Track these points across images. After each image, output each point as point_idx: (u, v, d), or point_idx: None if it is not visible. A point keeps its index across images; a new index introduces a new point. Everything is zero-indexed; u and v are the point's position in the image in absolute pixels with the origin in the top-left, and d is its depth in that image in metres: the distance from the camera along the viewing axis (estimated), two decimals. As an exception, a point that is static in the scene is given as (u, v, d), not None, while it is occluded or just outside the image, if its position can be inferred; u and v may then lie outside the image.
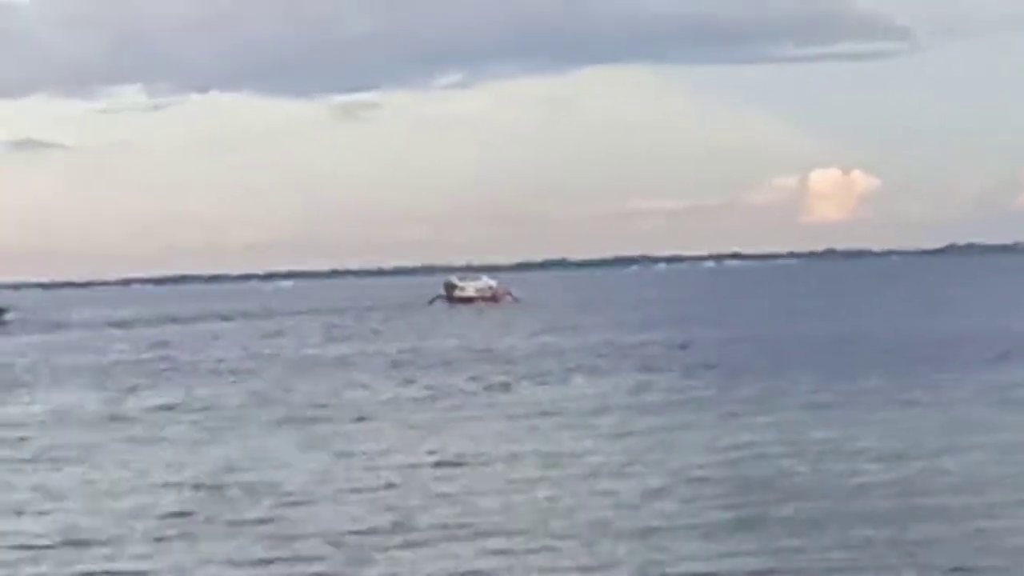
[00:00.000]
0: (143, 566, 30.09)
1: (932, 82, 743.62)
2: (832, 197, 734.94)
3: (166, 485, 40.22)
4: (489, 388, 67.56)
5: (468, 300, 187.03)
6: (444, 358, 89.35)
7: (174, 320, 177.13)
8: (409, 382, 72.69)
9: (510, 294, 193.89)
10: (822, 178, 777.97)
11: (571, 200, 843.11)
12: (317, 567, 29.32)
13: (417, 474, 41.07)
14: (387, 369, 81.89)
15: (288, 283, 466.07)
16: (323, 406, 61.59)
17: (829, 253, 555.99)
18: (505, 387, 67.80)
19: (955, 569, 27.38)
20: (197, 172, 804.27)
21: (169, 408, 63.20)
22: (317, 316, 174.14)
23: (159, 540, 32.37)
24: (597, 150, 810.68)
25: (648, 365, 76.84)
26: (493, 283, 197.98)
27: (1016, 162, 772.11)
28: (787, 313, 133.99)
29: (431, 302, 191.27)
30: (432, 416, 56.31)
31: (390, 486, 38.91)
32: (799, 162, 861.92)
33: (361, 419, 56.11)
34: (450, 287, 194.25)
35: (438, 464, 42.91)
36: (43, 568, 30.24)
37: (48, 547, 32.18)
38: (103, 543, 32.30)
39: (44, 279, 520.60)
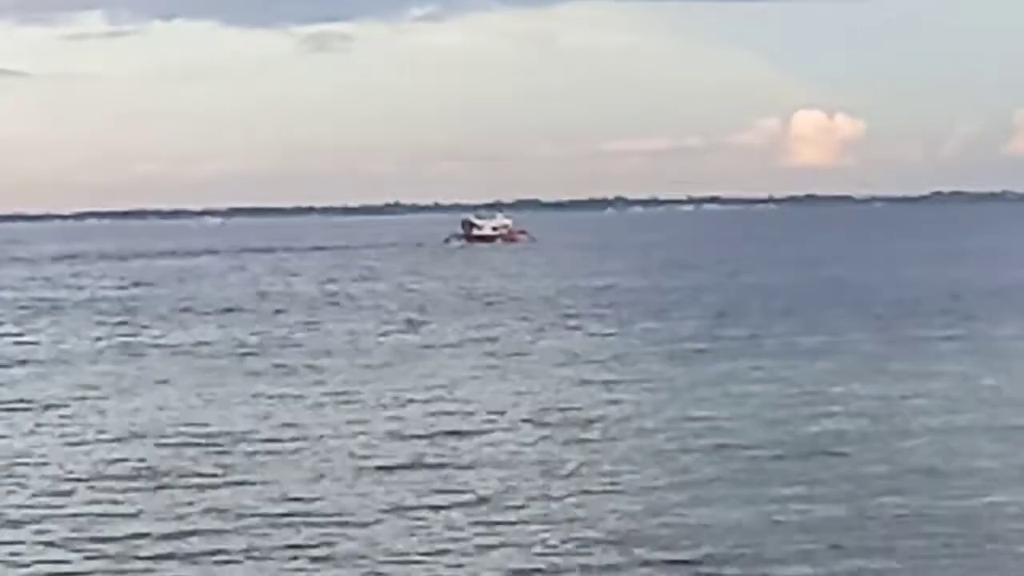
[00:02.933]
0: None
1: (923, 23, 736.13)
2: (815, 140, 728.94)
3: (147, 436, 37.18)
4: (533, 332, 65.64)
5: (486, 239, 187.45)
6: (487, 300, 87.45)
7: (158, 255, 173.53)
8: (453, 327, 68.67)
9: (525, 233, 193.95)
10: (805, 120, 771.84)
11: (545, 139, 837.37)
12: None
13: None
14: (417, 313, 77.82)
15: (216, 220, 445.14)
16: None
17: (809, 199, 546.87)
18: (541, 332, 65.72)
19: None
20: (160, 103, 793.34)
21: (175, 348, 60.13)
22: (350, 254, 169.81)
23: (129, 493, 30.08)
24: (573, 88, 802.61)
25: (665, 311, 75.12)
26: (508, 222, 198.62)
27: (1007, 107, 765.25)
28: (788, 261, 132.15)
29: (447, 240, 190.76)
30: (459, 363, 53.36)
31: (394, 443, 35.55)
32: (782, 103, 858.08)
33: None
34: (468, 225, 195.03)
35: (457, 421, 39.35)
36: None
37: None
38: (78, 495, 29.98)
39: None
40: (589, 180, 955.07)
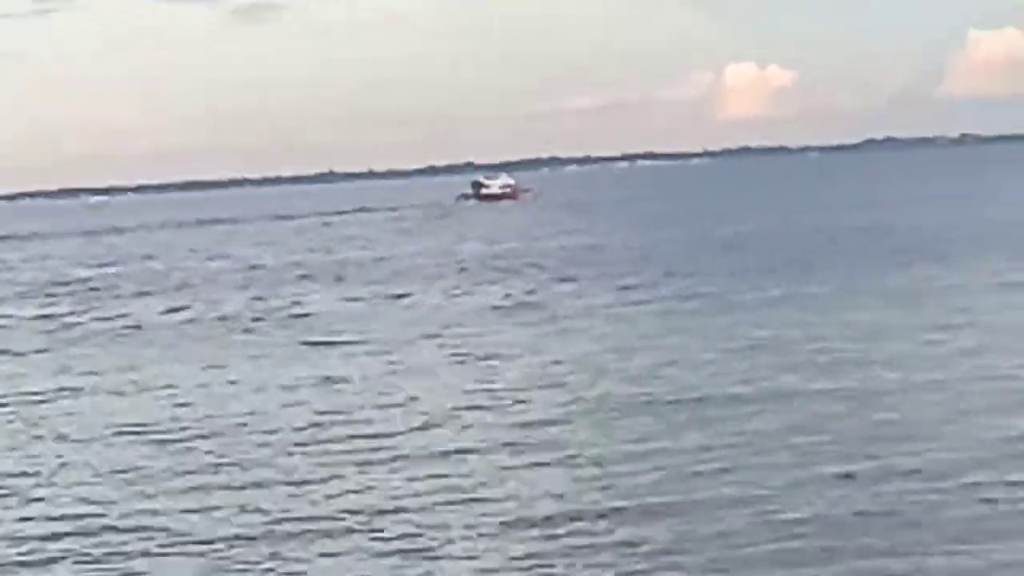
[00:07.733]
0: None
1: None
2: (747, 92, 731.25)
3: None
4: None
5: (494, 197, 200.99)
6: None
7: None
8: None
9: (529, 191, 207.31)
10: (737, 73, 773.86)
11: (478, 101, 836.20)
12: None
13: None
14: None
15: (102, 198, 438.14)
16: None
17: (744, 151, 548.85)
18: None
19: None
20: (90, 79, 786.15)
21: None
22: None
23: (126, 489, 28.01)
24: (503, 50, 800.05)
25: (648, 267, 74.89)
26: (513, 181, 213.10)
27: (936, 52, 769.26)
28: (757, 210, 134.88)
29: (457, 200, 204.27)
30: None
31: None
32: (713, 57, 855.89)
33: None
34: (477, 185, 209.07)
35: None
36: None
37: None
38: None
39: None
40: (522, 141, 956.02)
